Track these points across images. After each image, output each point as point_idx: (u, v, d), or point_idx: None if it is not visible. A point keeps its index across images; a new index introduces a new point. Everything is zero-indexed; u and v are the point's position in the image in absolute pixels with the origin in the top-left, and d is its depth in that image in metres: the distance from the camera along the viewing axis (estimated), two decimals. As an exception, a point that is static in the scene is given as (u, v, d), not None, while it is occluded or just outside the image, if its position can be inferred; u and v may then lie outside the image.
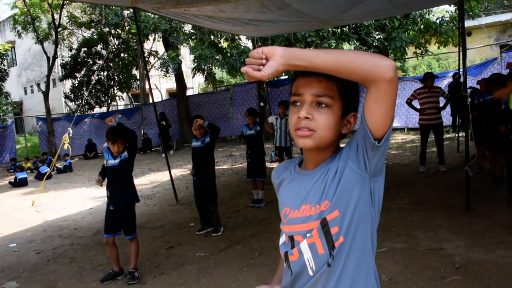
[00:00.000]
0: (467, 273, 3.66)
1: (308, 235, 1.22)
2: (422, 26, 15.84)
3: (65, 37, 21.44)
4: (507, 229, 4.64)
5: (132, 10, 7.39)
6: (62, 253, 5.61)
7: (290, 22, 7.78)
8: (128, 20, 15.88)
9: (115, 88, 21.57)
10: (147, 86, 21.79)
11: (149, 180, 11.04)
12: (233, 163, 12.08)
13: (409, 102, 8.05)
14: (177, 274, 4.42)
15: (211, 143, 5.49)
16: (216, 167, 6.01)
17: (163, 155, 14.70)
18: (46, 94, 19.28)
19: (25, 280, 4.74)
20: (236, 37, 15.54)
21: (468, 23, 18.69)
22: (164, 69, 16.47)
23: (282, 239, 1.33)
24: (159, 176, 11.29)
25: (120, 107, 24.96)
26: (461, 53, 6.57)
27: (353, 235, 1.20)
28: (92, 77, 20.65)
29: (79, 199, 9.49)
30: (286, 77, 17.03)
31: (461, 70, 11.51)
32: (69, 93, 20.96)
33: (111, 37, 20.10)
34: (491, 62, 13.17)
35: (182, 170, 11.65)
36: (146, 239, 5.70)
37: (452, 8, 15.76)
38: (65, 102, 21.75)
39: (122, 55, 20.61)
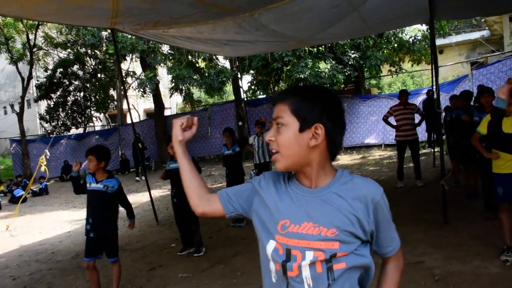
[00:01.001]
0: (446, 285, 3.74)
1: (307, 252, 1.26)
2: (395, 45, 16.28)
3: (41, 57, 21.21)
4: (482, 240, 4.76)
5: (110, 31, 7.40)
6: (39, 278, 5.47)
7: (267, 42, 7.91)
8: (105, 40, 15.84)
9: (92, 109, 21.34)
10: (124, 107, 21.77)
11: (128, 201, 10.88)
12: (213, 182, 12.05)
13: (385, 119, 8.24)
14: (159, 296, 4.38)
15: None
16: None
17: (137, 178, 14.57)
18: (20, 115, 18.95)
19: (1, 307, 4.62)
20: (214, 57, 15.65)
21: (439, 42, 19.31)
22: (141, 90, 16.42)
23: (271, 247, 1.33)
24: (138, 197, 11.16)
25: (97, 128, 24.66)
26: (433, 70, 6.80)
27: (354, 264, 1.29)
28: (68, 98, 20.41)
29: (56, 222, 9.29)
30: (264, 96, 17.20)
31: (434, 87, 11.92)
32: (45, 114, 20.65)
33: (88, 58, 19.97)
34: (463, 79, 13.60)
35: (162, 191, 11.56)
36: (126, 261, 5.61)
37: (424, 27, 16.27)
38: (41, 123, 21.40)
39: (99, 75, 20.47)
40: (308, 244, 1.27)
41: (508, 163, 4.20)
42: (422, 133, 12.11)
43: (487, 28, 22.15)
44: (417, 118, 8.35)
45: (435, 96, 12.09)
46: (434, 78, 6.33)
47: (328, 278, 1.26)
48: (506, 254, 4.17)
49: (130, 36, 13.14)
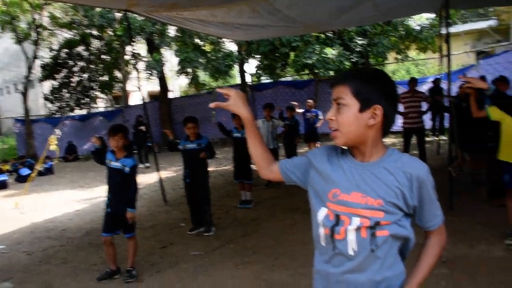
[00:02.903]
0: (454, 267, 3.89)
1: (354, 218, 1.40)
2: (403, 32, 16.25)
3: (45, 37, 21.10)
4: (486, 227, 4.93)
5: (122, 13, 7.42)
6: (53, 254, 5.60)
7: (278, 27, 7.95)
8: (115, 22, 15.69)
9: (96, 90, 21.31)
10: (127, 88, 21.70)
11: (134, 182, 10.99)
12: (218, 165, 12.17)
13: (392, 106, 8.29)
14: (174, 272, 4.51)
15: (205, 149, 5.60)
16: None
17: (141, 165, 13.76)
18: (24, 95, 18.96)
19: (19, 280, 4.74)
20: (221, 40, 15.63)
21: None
22: (148, 72, 16.42)
23: (323, 214, 1.48)
24: (144, 178, 11.25)
25: (101, 109, 24.67)
26: (444, 59, 6.85)
27: (395, 233, 1.42)
28: (73, 79, 20.35)
29: (64, 201, 9.42)
30: (271, 80, 17.20)
31: (440, 75, 11.95)
32: (49, 94, 20.65)
33: (94, 39, 19.88)
34: (469, 69, 13.64)
35: (167, 173, 11.67)
36: (138, 238, 5.65)
37: (432, 15, 16.19)
38: (45, 103, 21.39)
39: (103, 56, 20.39)
40: (356, 211, 1.41)
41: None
42: (426, 121, 12.16)
43: (495, 17, 21.99)
44: (424, 106, 8.42)
45: (441, 85, 12.15)
46: (446, 67, 6.38)
47: (371, 243, 1.39)
48: (510, 238, 4.32)
49: (139, 18, 13.12)
